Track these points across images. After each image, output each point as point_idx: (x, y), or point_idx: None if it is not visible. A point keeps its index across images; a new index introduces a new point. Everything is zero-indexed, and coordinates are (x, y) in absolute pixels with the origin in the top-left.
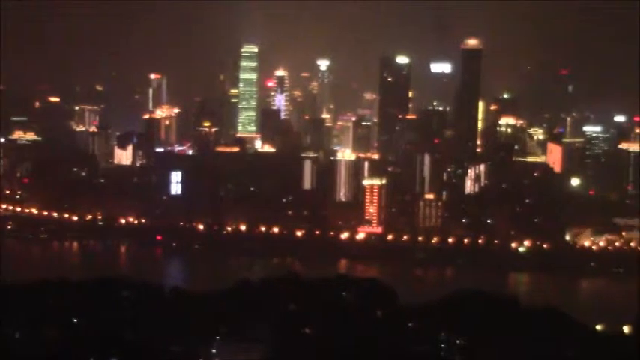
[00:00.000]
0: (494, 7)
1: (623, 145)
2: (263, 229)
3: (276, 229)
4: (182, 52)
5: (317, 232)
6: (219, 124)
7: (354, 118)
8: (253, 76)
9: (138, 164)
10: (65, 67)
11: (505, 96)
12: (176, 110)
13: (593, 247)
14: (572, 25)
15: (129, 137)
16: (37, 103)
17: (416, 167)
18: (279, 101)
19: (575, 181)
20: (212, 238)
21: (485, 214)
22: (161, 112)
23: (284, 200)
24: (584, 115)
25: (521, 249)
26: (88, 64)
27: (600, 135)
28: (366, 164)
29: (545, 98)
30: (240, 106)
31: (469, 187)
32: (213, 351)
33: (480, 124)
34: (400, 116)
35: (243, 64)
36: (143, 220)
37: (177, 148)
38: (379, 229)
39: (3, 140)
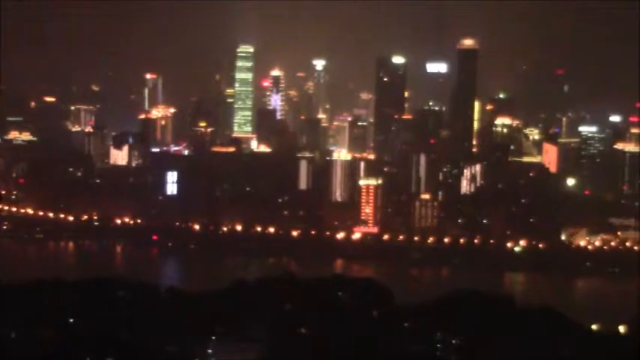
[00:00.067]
0: (490, 7)
1: (619, 145)
2: (259, 229)
3: (272, 229)
4: (178, 52)
5: (313, 232)
6: (215, 124)
7: (349, 118)
8: (249, 76)
9: (134, 164)
10: (61, 67)
11: (501, 96)
12: (172, 110)
13: (589, 247)
14: (567, 26)
15: (125, 137)
16: (33, 103)
17: (412, 167)
18: (275, 101)
19: (570, 181)
20: (208, 238)
21: (481, 214)
22: (157, 112)
23: (280, 200)
24: (579, 115)
25: (517, 249)
26: (84, 64)
27: (596, 135)
28: (362, 164)
29: (541, 98)
30: (236, 106)
31: (465, 187)
32: (209, 351)
33: (475, 124)
34: (396, 116)
35: (239, 64)
36: (139, 220)
37: (173, 148)
38: (375, 229)
39: None
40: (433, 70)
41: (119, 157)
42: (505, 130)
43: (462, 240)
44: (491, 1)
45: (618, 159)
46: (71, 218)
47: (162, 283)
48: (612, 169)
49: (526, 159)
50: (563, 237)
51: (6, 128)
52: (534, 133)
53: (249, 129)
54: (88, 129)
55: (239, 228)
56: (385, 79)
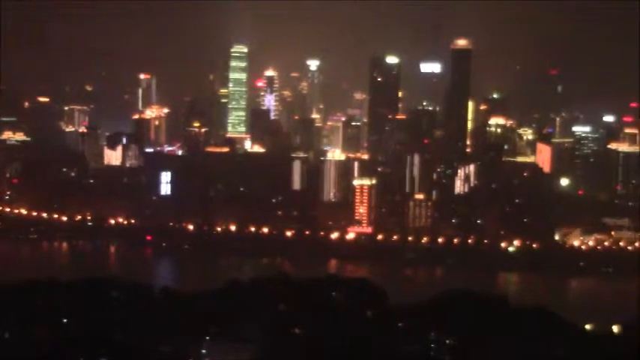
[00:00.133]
0: (484, 8)
1: (613, 145)
2: (253, 229)
3: (265, 230)
4: (172, 53)
5: (307, 233)
6: (209, 125)
7: (343, 118)
8: (243, 76)
9: (127, 164)
10: (55, 67)
11: (495, 96)
12: (166, 110)
13: (583, 247)
14: (561, 26)
15: (118, 137)
16: (27, 104)
17: (406, 167)
18: (269, 101)
19: (564, 181)
20: (202, 239)
21: (475, 214)
22: (151, 113)
23: (274, 200)
24: (573, 115)
25: (510, 249)
26: (78, 64)
27: (589, 135)
28: (356, 164)
29: (535, 98)
30: (229, 106)
31: (459, 187)
32: (203, 351)
33: (469, 124)
34: (390, 116)
35: (233, 64)
36: (133, 221)
37: (167, 149)
38: (369, 229)
39: None
40: (427, 70)
41: (113, 157)
42: (499, 130)
43: (455, 240)
44: (485, 2)
45: (612, 159)
46: (65, 218)
47: (156, 284)
48: (606, 169)
49: (520, 159)
50: (556, 237)
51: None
52: (528, 133)
53: (243, 129)
54: (82, 129)
55: (233, 228)
56: (379, 79)
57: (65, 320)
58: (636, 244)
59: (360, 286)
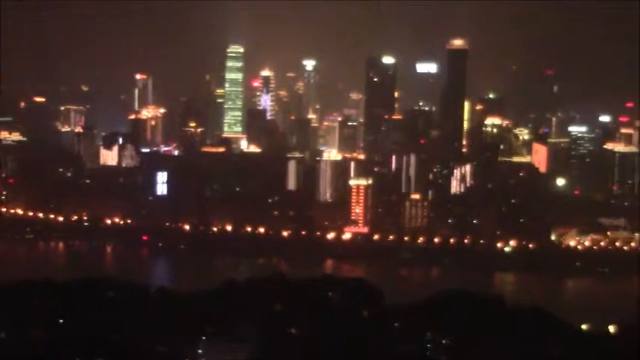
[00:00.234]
0: (480, 8)
1: (609, 145)
2: (249, 229)
3: (262, 230)
4: (168, 53)
5: (303, 233)
6: (205, 125)
7: (339, 119)
8: (239, 76)
9: (124, 164)
10: (51, 67)
11: (491, 96)
12: (162, 110)
13: (579, 247)
14: (557, 26)
15: (114, 137)
16: (23, 104)
17: (402, 167)
18: (265, 101)
19: (560, 181)
20: (198, 239)
21: (471, 214)
22: (147, 113)
23: (270, 200)
24: (569, 115)
25: (506, 249)
26: (74, 65)
27: (586, 135)
28: (352, 164)
29: (531, 98)
30: (226, 106)
31: (455, 187)
32: (200, 351)
33: (465, 124)
34: (386, 116)
35: (229, 64)
36: (129, 221)
37: (163, 149)
38: (365, 229)
39: None
40: (423, 70)
41: (109, 157)
42: (495, 130)
43: (451, 240)
44: (481, 2)
45: (608, 159)
46: (61, 218)
47: (153, 284)
48: (602, 169)
49: (516, 159)
50: (553, 237)
51: None
52: (524, 133)
53: (239, 129)
54: (78, 129)
55: (229, 228)
56: (375, 79)
57: (61, 320)
58: (632, 244)
59: (356, 286)
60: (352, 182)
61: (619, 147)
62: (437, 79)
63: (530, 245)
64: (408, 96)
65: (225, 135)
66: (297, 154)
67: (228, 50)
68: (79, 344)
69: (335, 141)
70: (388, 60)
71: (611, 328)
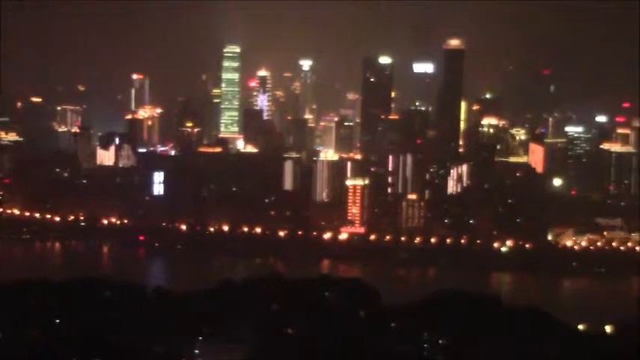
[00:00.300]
0: (477, 8)
1: (605, 146)
2: (246, 229)
3: (258, 230)
4: (164, 53)
5: (299, 233)
6: (202, 125)
7: (336, 119)
8: (236, 76)
9: (120, 164)
10: (48, 68)
11: (487, 96)
12: (158, 110)
13: (575, 247)
14: (554, 26)
15: (111, 137)
16: (19, 104)
17: (398, 167)
18: (262, 101)
19: (557, 181)
20: (195, 239)
21: (468, 214)
22: (143, 113)
23: (266, 200)
24: (566, 116)
25: (503, 249)
26: (71, 65)
27: (582, 135)
28: (349, 164)
29: (528, 98)
30: (222, 106)
31: (451, 187)
32: (196, 351)
33: (462, 125)
34: (383, 116)
35: (226, 64)
36: (125, 221)
37: (160, 149)
38: (362, 230)
39: None
40: (420, 70)
41: (106, 157)
42: (491, 130)
43: (448, 240)
44: (478, 2)
45: (604, 159)
46: (58, 219)
47: (149, 284)
48: (598, 170)
49: (512, 159)
50: (549, 237)
51: None
52: (521, 133)
53: (236, 129)
54: (75, 129)
55: (226, 228)
56: (372, 80)
57: (58, 320)
58: (629, 245)
59: (353, 286)
60: (349, 182)
61: (615, 147)
62: (433, 79)
63: (527, 245)
64: (405, 96)
65: (221, 135)
66: (294, 154)
67: (225, 50)
68: (75, 344)
69: (331, 141)
70: (385, 60)
71: (608, 328)
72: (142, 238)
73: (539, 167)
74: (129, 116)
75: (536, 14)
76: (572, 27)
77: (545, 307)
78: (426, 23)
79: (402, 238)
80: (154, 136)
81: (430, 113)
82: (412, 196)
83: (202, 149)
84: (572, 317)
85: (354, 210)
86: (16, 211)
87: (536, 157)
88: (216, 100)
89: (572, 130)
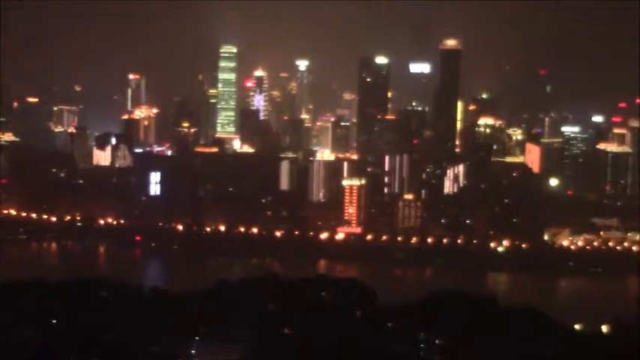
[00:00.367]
0: (473, 8)
1: (601, 146)
2: (242, 229)
3: (255, 230)
4: (161, 53)
5: (296, 233)
6: (198, 125)
7: (333, 119)
8: (232, 76)
9: (117, 165)
10: (44, 68)
11: (484, 96)
12: (155, 111)
13: (572, 247)
14: (550, 26)
15: (108, 138)
16: (15, 104)
17: (395, 167)
18: (258, 101)
19: (553, 181)
20: (191, 239)
21: (464, 214)
22: (140, 113)
23: (263, 201)
24: (562, 116)
25: (500, 249)
26: (67, 65)
27: (578, 135)
28: (345, 164)
29: (524, 98)
30: (219, 106)
31: (448, 187)
32: (193, 351)
33: (458, 125)
34: (379, 116)
35: (222, 64)
36: (122, 221)
37: (156, 149)
38: (358, 230)
39: None
40: (416, 70)
41: (102, 157)
42: (488, 130)
43: (445, 240)
44: (474, 2)
45: (601, 159)
46: (54, 219)
47: (146, 284)
48: (595, 170)
49: (509, 159)
50: (546, 237)
51: None
52: (517, 133)
53: (233, 129)
54: (71, 129)
55: (222, 228)
56: (368, 80)
57: (54, 321)
58: (625, 244)
59: (350, 286)
60: (345, 182)
61: (612, 147)
62: (430, 80)
63: (524, 245)
64: (401, 96)
65: (218, 135)
66: (291, 155)
67: (221, 50)
68: (72, 344)
69: (328, 141)
70: (381, 60)
71: (604, 328)
72: (138, 238)
73: (535, 167)
74: (125, 116)
75: (533, 14)
76: (568, 27)
77: (541, 307)
78: (422, 23)
79: (399, 238)
80: (151, 137)
81: (427, 113)
82: (409, 196)
83: (199, 149)
84: (569, 317)
85: (350, 210)
86: (13, 212)
87: (532, 157)
88: (212, 100)
89: (568, 130)
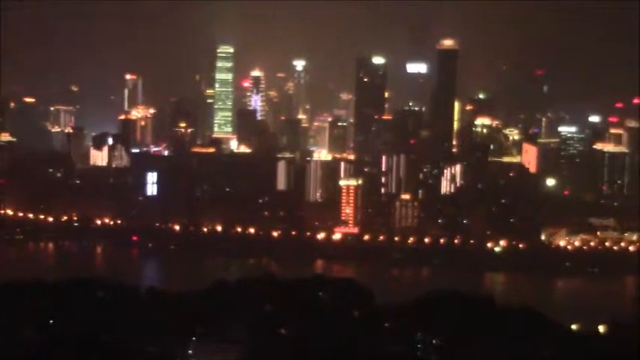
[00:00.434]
0: (470, 8)
1: (598, 146)
2: (239, 229)
3: (252, 230)
4: (158, 53)
5: (293, 233)
6: (195, 125)
7: (330, 119)
8: (229, 76)
9: (114, 165)
10: (41, 68)
11: (481, 96)
12: (152, 111)
13: (569, 247)
14: (547, 26)
15: (104, 138)
16: (12, 104)
17: (392, 167)
18: (255, 102)
19: (550, 181)
20: (188, 239)
21: (461, 214)
22: (137, 113)
23: (260, 201)
24: (559, 116)
25: (497, 249)
26: (64, 65)
27: (575, 135)
28: (342, 164)
29: (521, 98)
30: (216, 106)
31: (445, 187)
32: (190, 352)
33: (455, 125)
34: (376, 116)
35: (219, 64)
36: (119, 221)
37: (153, 149)
38: (355, 230)
39: None
40: (413, 70)
41: (99, 157)
42: (485, 130)
43: (442, 240)
44: (471, 2)
45: (597, 159)
46: (51, 219)
47: (143, 284)
48: (592, 170)
49: (506, 159)
50: (543, 237)
51: None
52: (514, 134)
53: (230, 129)
54: (68, 129)
55: (219, 228)
56: (365, 80)
57: (51, 321)
58: (622, 244)
59: (347, 286)
60: (342, 182)
61: (608, 147)
62: (427, 80)
63: (521, 245)
64: (398, 96)
65: (215, 135)
66: (288, 155)
67: (218, 50)
68: (69, 345)
69: (325, 141)
70: (378, 60)
71: (601, 328)
72: (135, 238)
73: (532, 167)
74: (122, 116)
75: (529, 15)
76: (564, 27)
77: (538, 307)
78: (419, 23)
79: (396, 238)
80: (147, 137)
81: (424, 113)
82: (406, 196)
83: (196, 149)
84: (566, 317)
85: (347, 210)
86: (10, 212)
87: (529, 157)
88: (209, 101)
89: (565, 130)
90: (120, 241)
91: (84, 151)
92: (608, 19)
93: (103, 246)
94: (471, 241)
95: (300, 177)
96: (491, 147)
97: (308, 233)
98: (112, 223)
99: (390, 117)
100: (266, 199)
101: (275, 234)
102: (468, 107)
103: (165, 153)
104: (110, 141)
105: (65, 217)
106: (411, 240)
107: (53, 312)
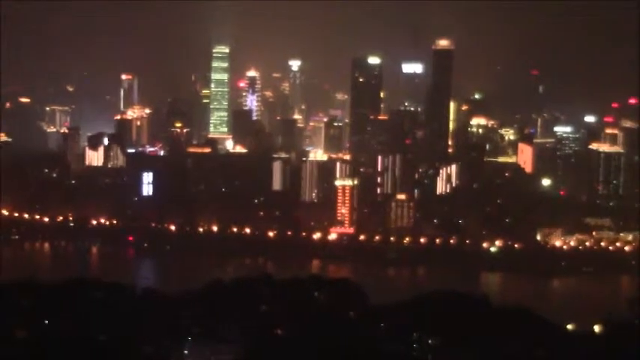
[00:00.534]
0: (466, 8)
1: (594, 146)
2: (235, 229)
3: (248, 230)
4: (154, 53)
5: (289, 233)
6: (191, 125)
7: (325, 119)
8: (225, 76)
9: (109, 165)
10: (37, 68)
11: (476, 96)
12: (147, 111)
13: (564, 247)
14: (542, 27)
15: (100, 138)
16: (8, 104)
17: (388, 167)
18: (251, 102)
19: (546, 181)
20: (184, 239)
21: (457, 215)
22: (132, 113)
23: (256, 201)
24: (554, 116)
25: (492, 249)
26: (59, 65)
27: (571, 135)
28: (338, 164)
29: (516, 99)
30: (211, 106)
31: (440, 187)
32: (186, 352)
33: (451, 125)
34: (372, 117)
35: (215, 64)
36: (114, 221)
37: (149, 149)
38: (351, 230)
39: None
40: (409, 70)
41: (95, 157)
42: (480, 130)
43: (437, 240)
44: (467, 2)
45: (593, 159)
46: (47, 219)
47: (138, 284)
48: (587, 170)
49: (501, 159)
50: (538, 237)
51: None
52: (510, 134)
53: (225, 129)
54: (64, 130)
55: (215, 229)
56: (361, 80)
57: (47, 321)
58: (617, 244)
59: (343, 286)
60: (338, 182)
61: (604, 147)
62: (422, 80)
63: (516, 245)
64: (394, 96)
65: (210, 135)
66: (283, 155)
67: (214, 50)
68: (64, 345)
69: (321, 141)
70: (374, 60)
71: (597, 328)
72: (130, 238)
73: (528, 167)
74: (118, 116)
75: (525, 15)
76: (560, 28)
77: (534, 306)
78: (415, 23)
79: (392, 238)
80: (143, 137)
81: (419, 113)
82: (401, 196)
83: (191, 149)
84: (561, 317)
85: (343, 210)
86: (5, 212)
87: (525, 157)
88: (205, 101)
89: (560, 130)
90: (115, 241)
91: (80, 151)
92: (604, 20)
93: (98, 246)
94: (467, 241)
95: (295, 177)
96: (487, 147)
97: (304, 233)
98: (107, 223)
99: (385, 117)
100: (262, 199)
101: (271, 234)
102: (464, 107)
103: (161, 153)
104: (106, 141)
105: (61, 218)
106: (406, 240)
107: (48, 312)
